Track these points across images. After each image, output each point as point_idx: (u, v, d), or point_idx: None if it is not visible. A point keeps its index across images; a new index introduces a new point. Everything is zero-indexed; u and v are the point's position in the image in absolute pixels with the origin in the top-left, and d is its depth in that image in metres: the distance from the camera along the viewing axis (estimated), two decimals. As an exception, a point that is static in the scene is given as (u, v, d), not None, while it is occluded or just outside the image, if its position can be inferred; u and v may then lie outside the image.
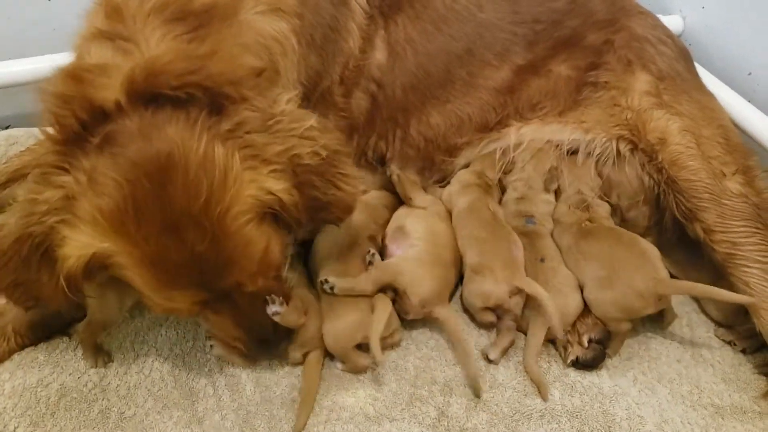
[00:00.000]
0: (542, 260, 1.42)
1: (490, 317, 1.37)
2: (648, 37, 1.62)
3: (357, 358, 1.28)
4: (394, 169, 1.54)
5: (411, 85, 1.53)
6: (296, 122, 1.04)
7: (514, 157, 1.61)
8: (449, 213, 1.54)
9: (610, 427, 1.24)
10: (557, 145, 1.61)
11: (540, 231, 1.50)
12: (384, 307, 1.28)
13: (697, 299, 1.53)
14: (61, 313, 1.27)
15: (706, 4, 2.06)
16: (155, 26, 1.04)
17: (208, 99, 0.97)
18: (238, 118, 0.98)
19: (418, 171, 1.61)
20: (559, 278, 1.39)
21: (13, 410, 1.20)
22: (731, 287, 1.37)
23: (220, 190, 0.94)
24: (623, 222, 1.57)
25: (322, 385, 1.27)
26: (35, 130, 1.02)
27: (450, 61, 1.55)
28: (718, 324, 1.48)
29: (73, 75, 0.97)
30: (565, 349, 1.36)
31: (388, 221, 1.51)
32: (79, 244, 0.95)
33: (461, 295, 1.43)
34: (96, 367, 1.28)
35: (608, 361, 1.37)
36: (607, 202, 1.56)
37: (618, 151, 1.57)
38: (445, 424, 1.23)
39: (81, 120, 0.94)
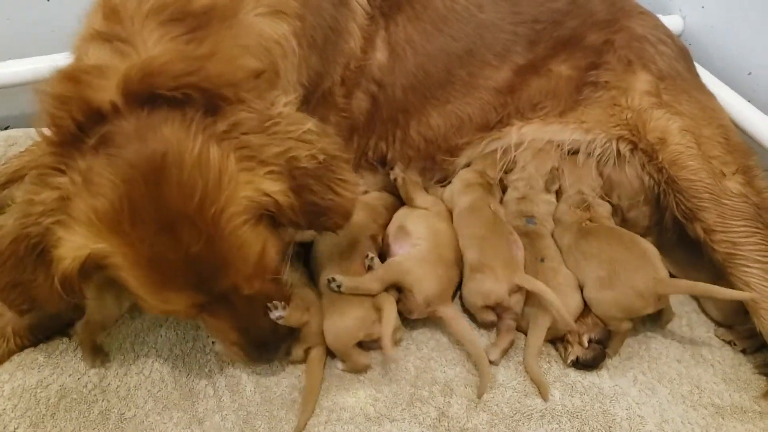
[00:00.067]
0: (542, 260, 1.42)
1: (491, 316, 1.37)
2: (648, 37, 1.62)
3: (358, 356, 1.28)
4: (397, 172, 1.54)
5: (411, 86, 1.53)
6: (294, 125, 1.04)
7: (515, 156, 1.61)
8: (450, 212, 1.54)
9: (610, 427, 1.24)
10: (558, 145, 1.61)
11: (540, 231, 1.50)
12: (391, 305, 1.28)
13: (697, 299, 1.53)
14: (60, 314, 1.27)
15: (706, 4, 2.06)
16: (153, 27, 1.03)
17: (205, 100, 0.97)
18: (234, 119, 0.98)
19: (420, 171, 1.61)
20: (559, 278, 1.39)
21: (12, 411, 1.20)
22: (731, 287, 1.37)
23: (214, 190, 0.94)
24: (624, 222, 1.57)
25: (323, 385, 1.27)
26: (34, 131, 1.02)
27: (450, 62, 1.55)
28: (718, 324, 1.48)
29: (71, 76, 0.97)
30: (565, 349, 1.36)
31: (388, 222, 1.52)
32: (75, 245, 0.95)
33: (461, 296, 1.43)
34: (94, 367, 1.28)
35: (608, 361, 1.37)
36: (608, 202, 1.56)
37: (618, 152, 1.57)
38: (446, 424, 1.23)
39: (77, 121, 0.94)
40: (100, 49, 1.04)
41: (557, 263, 1.43)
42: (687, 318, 1.49)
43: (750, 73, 1.91)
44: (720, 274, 1.41)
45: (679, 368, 1.38)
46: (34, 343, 1.31)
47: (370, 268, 1.34)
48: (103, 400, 1.23)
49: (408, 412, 1.24)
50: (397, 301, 1.33)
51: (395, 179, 1.53)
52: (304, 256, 1.43)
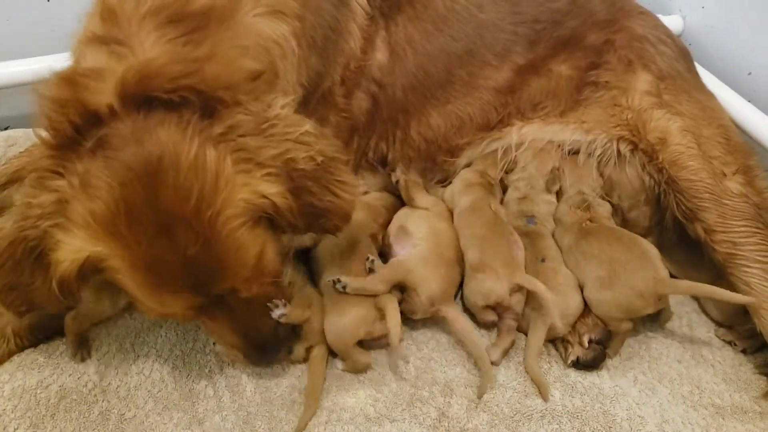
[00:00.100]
0: (543, 260, 1.42)
1: (491, 316, 1.37)
2: (648, 37, 1.62)
3: (359, 355, 1.28)
4: (399, 175, 1.54)
5: (411, 86, 1.53)
6: (291, 127, 1.03)
7: (515, 156, 1.61)
8: (451, 212, 1.54)
9: (610, 427, 1.24)
10: (559, 146, 1.61)
11: (541, 231, 1.50)
12: (393, 304, 1.28)
13: (697, 299, 1.53)
14: (60, 315, 1.27)
15: (706, 4, 2.06)
16: (150, 29, 1.03)
17: (202, 102, 0.97)
18: (230, 121, 0.98)
19: (420, 172, 1.61)
20: (559, 278, 1.39)
21: (12, 412, 1.20)
22: (732, 287, 1.37)
23: (211, 193, 0.94)
24: (624, 222, 1.57)
25: (322, 385, 1.27)
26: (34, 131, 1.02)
27: (450, 62, 1.55)
28: (719, 324, 1.48)
29: (68, 79, 0.97)
30: (566, 349, 1.36)
31: (388, 222, 1.52)
32: (73, 248, 0.95)
33: (461, 296, 1.43)
34: (74, 358, 1.28)
35: (609, 362, 1.37)
36: (609, 202, 1.56)
37: (618, 152, 1.57)
38: (446, 424, 1.23)
39: (75, 124, 0.94)
40: (98, 52, 1.04)
41: (558, 263, 1.43)
42: (687, 318, 1.49)
43: (750, 73, 1.91)
44: (720, 275, 1.41)
45: (680, 368, 1.38)
46: (34, 344, 1.31)
47: (371, 270, 1.33)
48: (103, 401, 1.23)
49: (408, 413, 1.24)
50: (400, 302, 1.33)
51: (397, 181, 1.54)
52: (304, 256, 1.43)
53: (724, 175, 1.45)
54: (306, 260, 1.43)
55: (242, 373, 1.29)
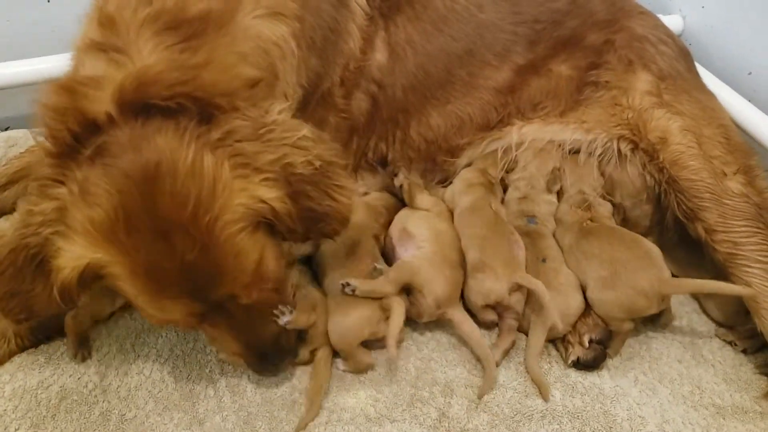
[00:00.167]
0: (544, 260, 1.42)
1: (491, 315, 1.37)
2: (648, 36, 1.62)
3: (362, 356, 1.28)
4: (401, 179, 1.54)
5: (411, 86, 1.53)
6: (289, 131, 1.04)
7: (516, 156, 1.61)
8: (451, 212, 1.54)
9: (611, 427, 1.24)
10: (559, 145, 1.61)
11: (542, 231, 1.50)
12: (400, 306, 1.28)
13: (697, 299, 1.53)
14: (60, 315, 1.27)
15: (706, 4, 2.06)
16: (148, 37, 1.03)
17: (199, 109, 0.97)
18: (228, 126, 0.98)
19: (421, 172, 1.61)
20: (560, 278, 1.39)
21: (13, 413, 1.20)
22: (732, 287, 1.37)
23: (208, 198, 0.94)
24: (625, 222, 1.57)
25: (323, 386, 1.27)
26: (35, 132, 1.02)
27: (450, 62, 1.54)
28: (719, 324, 1.48)
29: (67, 87, 0.98)
30: (566, 349, 1.36)
31: (388, 222, 1.52)
32: (73, 255, 0.96)
33: (462, 295, 1.43)
34: (75, 359, 1.28)
35: (609, 362, 1.37)
36: (610, 201, 1.56)
37: (619, 151, 1.57)
38: (446, 425, 1.22)
39: (74, 132, 0.95)
40: (96, 59, 1.04)
41: (558, 263, 1.43)
42: (688, 318, 1.49)
43: (750, 73, 1.91)
44: (721, 274, 1.41)
45: (680, 368, 1.38)
46: (35, 344, 1.32)
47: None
48: (103, 401, 1.23)
49: (408, 413, 1.24)
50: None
51: (401, 186, 1.54)
52: (307, 257, 1.43)
53: (725, 174, 1.45)
54: (308, 260, 1.43)
55: (243, 373, 1.29)
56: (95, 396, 1.24)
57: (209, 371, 1.30)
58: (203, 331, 1.13)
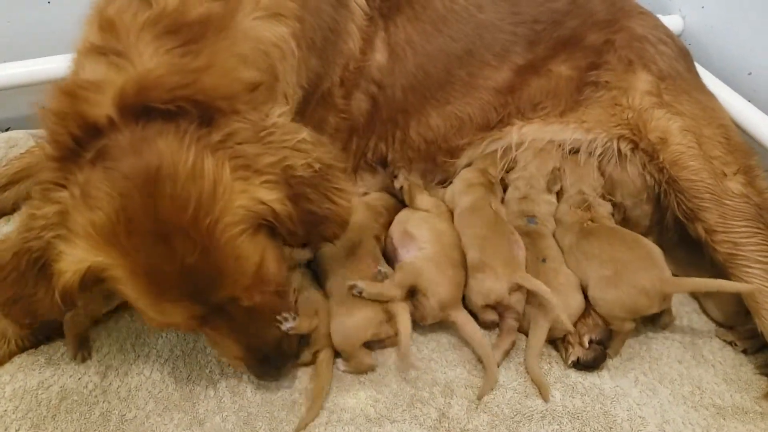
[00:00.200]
0: (544, 260, 1.42)
1: (492, 315, 1.37)
2: (648, 37, 1.62)
3: (363, 356, 1.29)
4: (402, 180, 1.54)
5: (411, 86, 1.53)
6: (288, 134, 1.04)
7: (516, 156, 1.61)
8: (451, 213, 1.54)
9: (611, 428, 1.24)
10: (559, 145, 1.61)
11: (542, 231, 1.50)
12: (404, 311, 1.28)
13: (698, 299, 1.53)
14: (61, 316, 1.27)
15: (706, 4, 2.06)
16: (149, 40, 1.03)
17: (199, 112, 0.97)
18: (228, 129, 0.98)
19: (420, 173, 1.61)
20: (560, 278, 1.39)
21: (14, 413, 1.20)
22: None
23: (209, 201, 0.94)
24: (625, 221, 1.57)
25: (323, 386, 1.27)
26: (35, 133, 1.02)
27: (450, 62, 1.55)
28: (719, 324, 1.48)
29: (68, 92, 0.98)
30: (566, 350, 1.36)
31: (388, 222, 1.52)
32: (75, 258, 0.96)
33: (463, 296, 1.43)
34: (75, 359, 1.29)
35: (609, 362, 1.37)
36: (611, 200, 1.56)
37: (619, 151, 1.57)
38: (446, 425, 1.22)
39: (75, 136, 0.95)
40: (97, 63, 1.04)
41: (559, 263, 1.43)
42: (688, 318, 1.49)
43: (750, 73, 1.91)
44: (721, 275, 1.41)
45: (680, 369, 1.38)
46: (35, 345, 1.32)
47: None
48: (103, 402, 1.23)
49: (408, 413, 1.24)
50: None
51: (401, 187, 1.54)
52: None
53: (725, 175, 1.45)
54: (308, 262, 1.42)
55: (243, 374, 1.29)
56: (95, 396, 1.24)
57: (209, 372, 1.30)
58: (204, 334, 1.13)
